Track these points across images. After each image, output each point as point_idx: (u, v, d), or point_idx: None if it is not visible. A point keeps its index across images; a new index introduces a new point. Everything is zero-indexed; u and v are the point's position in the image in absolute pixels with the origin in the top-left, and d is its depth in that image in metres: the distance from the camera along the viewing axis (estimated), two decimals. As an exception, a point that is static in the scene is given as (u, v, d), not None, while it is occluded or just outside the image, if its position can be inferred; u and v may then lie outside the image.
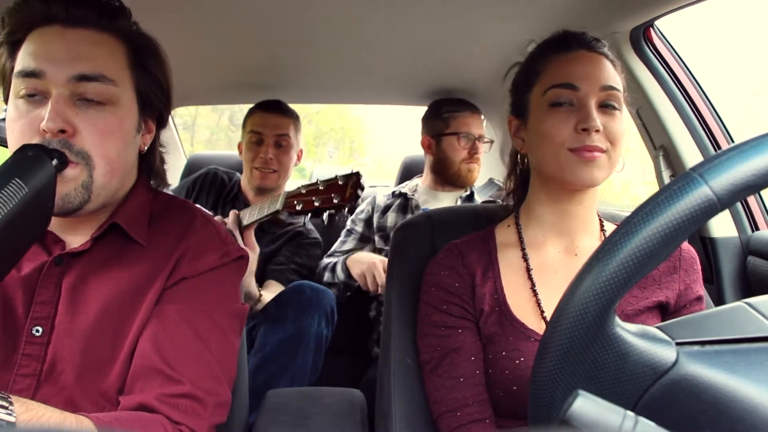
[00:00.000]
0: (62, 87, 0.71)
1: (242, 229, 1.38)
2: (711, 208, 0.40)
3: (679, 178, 0.41)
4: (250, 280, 1.40)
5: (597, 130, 0.82)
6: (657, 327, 0.46)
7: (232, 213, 1.37)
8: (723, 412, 0.40)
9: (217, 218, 1.37)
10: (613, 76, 0.87)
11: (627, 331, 0.45)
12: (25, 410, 0.58)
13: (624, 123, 0.87)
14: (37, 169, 0.63)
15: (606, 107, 0.85)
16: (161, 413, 0.70)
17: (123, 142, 0.77)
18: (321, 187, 1.25)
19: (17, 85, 0.72)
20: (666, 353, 0.44)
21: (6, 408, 0.55)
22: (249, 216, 1.37)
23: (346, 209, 1.26)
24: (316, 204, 1.24)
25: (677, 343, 0.44)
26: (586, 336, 0.43)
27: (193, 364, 0.74)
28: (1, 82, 0.78)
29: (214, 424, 0.76)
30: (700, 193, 0.40)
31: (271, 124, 1.79)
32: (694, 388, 0.42)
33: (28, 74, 0.71)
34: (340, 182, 1.23)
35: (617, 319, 0.44)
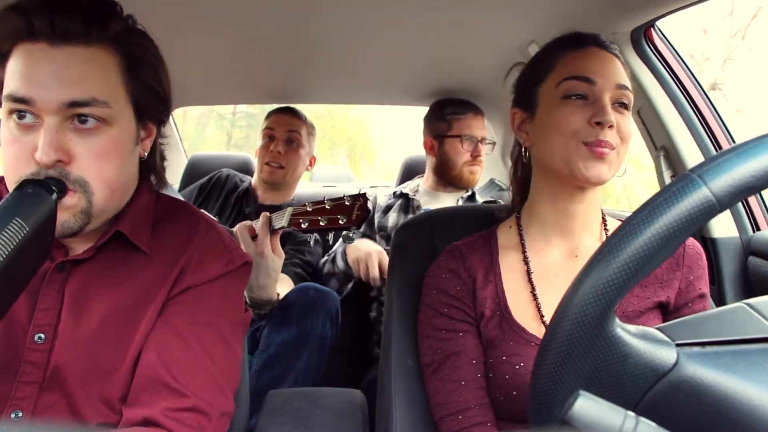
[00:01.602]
0: (54, 114, 0.68)
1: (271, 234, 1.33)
2: (710, 210, 0.40)
3: (678, 179, 0.41)
4: (271, 286, 1.34)
5: (611, 126, 0.82)
6: (657, 328, 0.46)
7: (264, 215, 1.32)
8: (723, 414, 0.40)
9: (247, 223, 1.34)
10: (625, 77, 0.88)
11: (627, 332, 0.44)
12: None
13: (632, 124, 0.88)
14: (38, 207, 0.62)
15: (619, 105, 0.86)
16: (166, 428, 0.70)
17: (121, 160, 0.74)
18: (327, 206, 1.23)
19: (7, 106, 0.69)
20: (666, 355, 0.44)
21: None
22: (277, 221, 1.32)
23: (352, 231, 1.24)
24: (322, 224, 1.23)
25: (677, 345, 0.44)
26: (585, 338, 0.43)
27: (198, 377, 0.74)
28: None
29: None
30: (699, 194, 0.40)
31: (283, 122, 1.91)
32: (694, 389, 0.42)
33: (17, 99, 0.68)
34: (347, 203, 1.22)
35: (617, 321, 0.44)
